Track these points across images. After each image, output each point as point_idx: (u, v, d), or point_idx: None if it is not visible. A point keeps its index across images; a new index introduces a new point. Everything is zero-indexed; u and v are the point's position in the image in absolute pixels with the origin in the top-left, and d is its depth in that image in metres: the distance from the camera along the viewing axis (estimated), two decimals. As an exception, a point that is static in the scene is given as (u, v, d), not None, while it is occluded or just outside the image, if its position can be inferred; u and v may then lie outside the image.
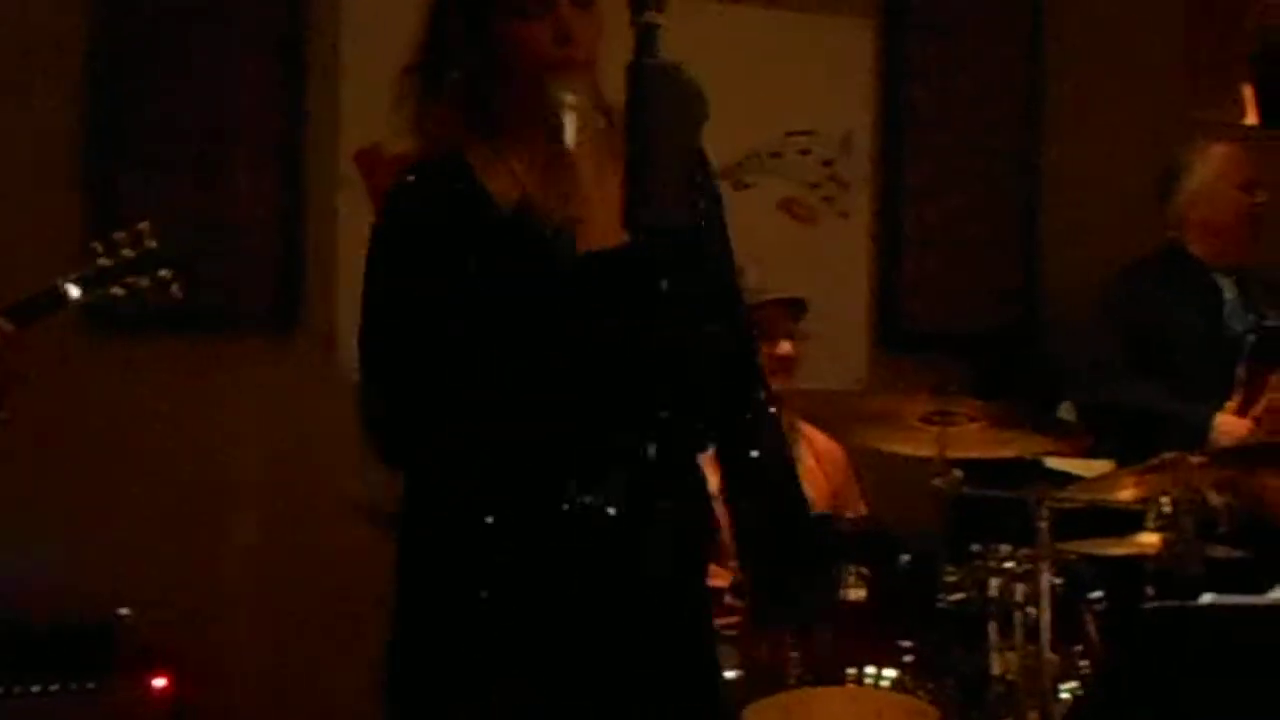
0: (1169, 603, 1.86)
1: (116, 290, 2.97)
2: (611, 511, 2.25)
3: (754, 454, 2.49)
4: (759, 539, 2.50)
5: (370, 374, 2.38)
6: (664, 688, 2.32)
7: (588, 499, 2.24)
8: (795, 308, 4.06)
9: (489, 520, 2.25)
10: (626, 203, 1.77)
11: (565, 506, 2.23)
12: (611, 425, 2.24)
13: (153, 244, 2.99)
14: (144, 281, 2.98)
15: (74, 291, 2.95)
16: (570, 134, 2.21)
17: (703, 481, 2.43)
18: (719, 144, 4.67)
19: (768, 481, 2.52)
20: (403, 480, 2.39)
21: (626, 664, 2.29)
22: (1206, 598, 1.83)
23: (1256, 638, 1.80)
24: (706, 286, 2.35)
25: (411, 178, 2.40)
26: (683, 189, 1.83)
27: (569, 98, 2.21)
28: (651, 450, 2.23)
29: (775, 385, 3.97)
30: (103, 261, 2.98)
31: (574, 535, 2.24)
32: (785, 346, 3.99)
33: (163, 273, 2.98)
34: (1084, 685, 3.48)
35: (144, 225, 3.01)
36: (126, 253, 2.97)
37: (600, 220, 2.23)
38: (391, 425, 2.37)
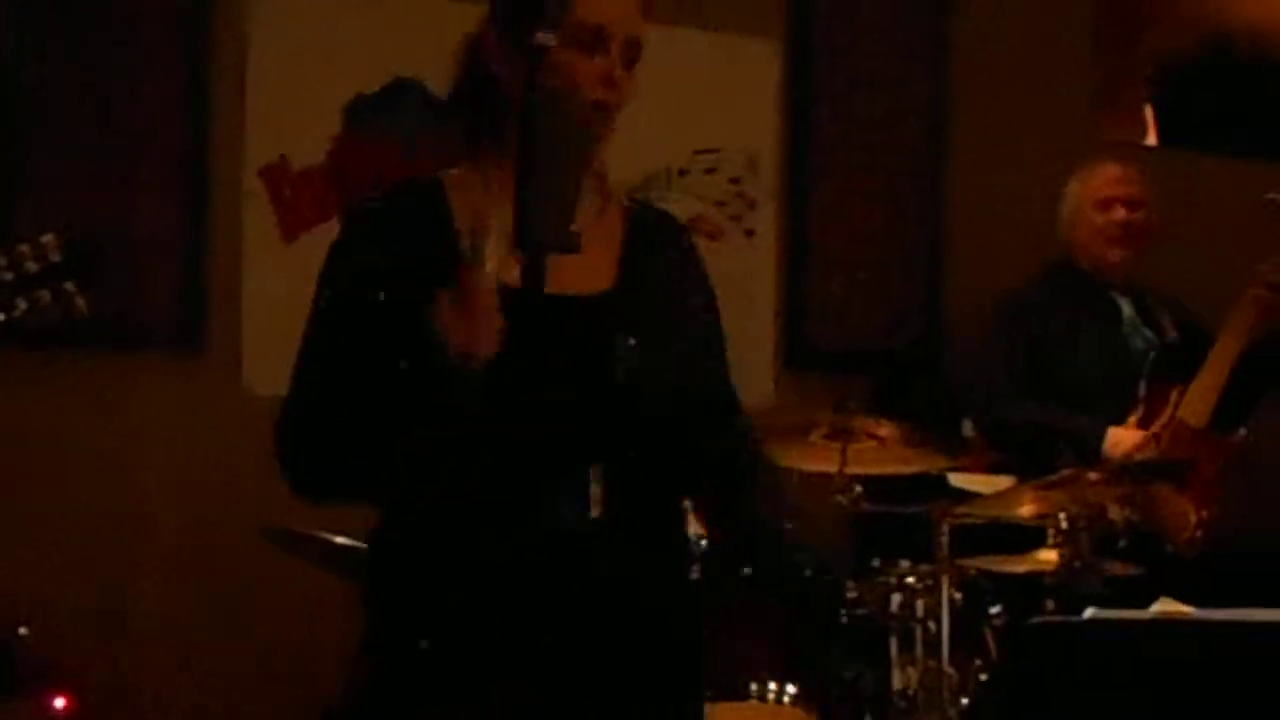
0: (1053, 618, 1.86)
1: (20, 303, 2.92)
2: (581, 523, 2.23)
3: (736, 516, 2.51)
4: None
5: (296, 411, 2.29)
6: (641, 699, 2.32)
7: (560, 515, 2.22)
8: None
9: (456, 537, 2.22)
10: (516, 222, 1.78)
11: (534, 522, 2.21)
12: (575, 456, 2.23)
13: (57, 257, 2.93)
14: (47, 295, 2.92)
15: None
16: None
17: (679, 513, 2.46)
18: (626, 161, 4.71)
19: (756, 549, 2.54)
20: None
21: (599, 677, 2.27)
22: (1089, 612, 1.85)
23: (1139, 651, 1.83)
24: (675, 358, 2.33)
25: (378, 204, 2.35)
26: (570, 211, 1.82)
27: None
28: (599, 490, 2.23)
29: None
30: (4, 274, 2.92)
31: (543, 549, 2.21)
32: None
33: (67, 285, 2.93)
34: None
35: (49, 238, 2.94)
36: (30, 265, 2.92)
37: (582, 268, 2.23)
38: (311, 466, 2.29)
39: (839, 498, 3.53)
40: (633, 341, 2.19)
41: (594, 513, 2.21)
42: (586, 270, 2.20)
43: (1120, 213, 4.42)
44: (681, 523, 2.49)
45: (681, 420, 2.32)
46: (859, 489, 3.54)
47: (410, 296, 2.11)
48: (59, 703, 3.76)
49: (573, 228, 1.80)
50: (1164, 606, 1.97)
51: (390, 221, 2.27)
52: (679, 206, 4.88)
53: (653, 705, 2.31)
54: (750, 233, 5.15)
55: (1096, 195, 4.47)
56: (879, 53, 5.37)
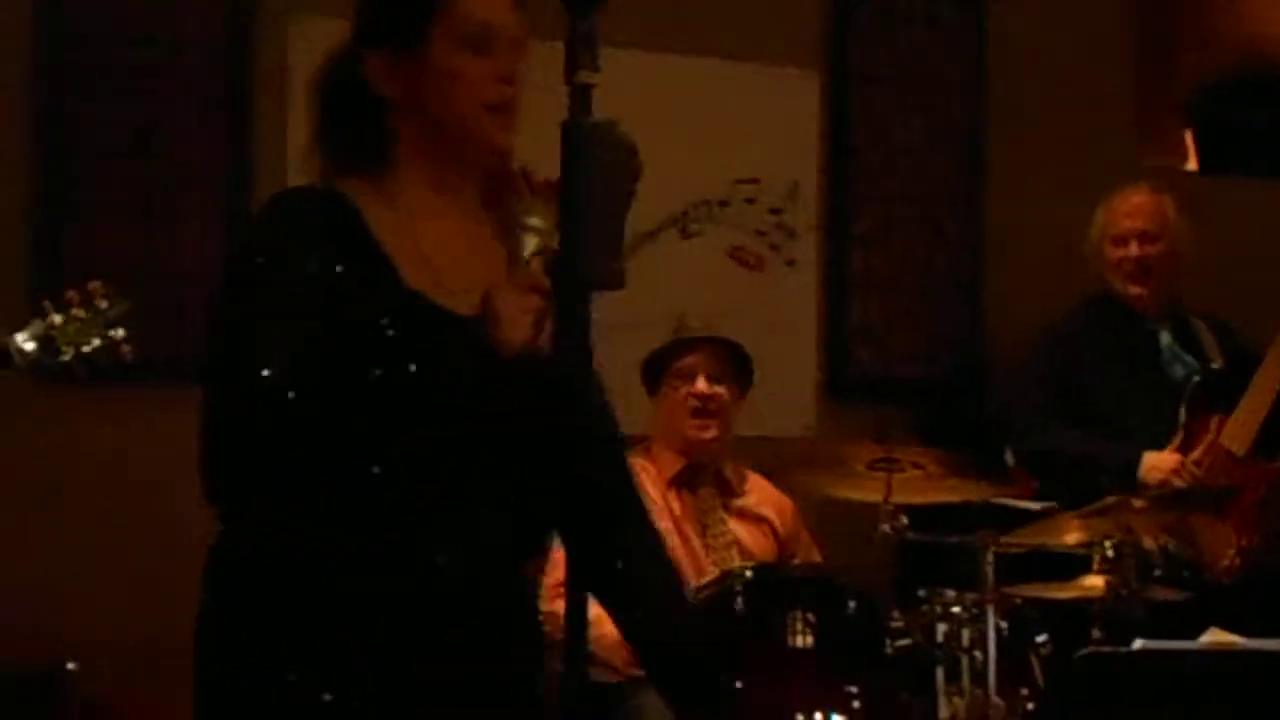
0: (1102, 648, 1.87)
1: (66, 350, 2.95)
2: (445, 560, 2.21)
3: (620, 565, 2.41)
4: (651, 654, 2.53)
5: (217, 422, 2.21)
6: None
7: (440, 558, 2.20)
8: (724, 350, 4.06)
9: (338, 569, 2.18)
10: (560, 258, 1.79)
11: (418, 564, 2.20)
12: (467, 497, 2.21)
13: (104, 304, 2.96)
14: (95, 342, 2.95)
15: (25, 349, 2.94)
16: (526, 252, 2.22)
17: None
18: (668, 192, 4.77)
19: (647, 598, 2.49)
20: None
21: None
22: (1138, 643, 1.86)
23: (1187, 682, 1.84)
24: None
25: (288, 206, 2.31)
26: (619, 248, 1.82)
27: (534, 221, 2.22)
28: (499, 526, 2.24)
29: (700, 430, 4.01)
30: (55, 319, 2.95)
31: (420, 589, 2.20)
32: (699, 383, 3.97)
33: (114, 333, 2.96)
34: None
35: (95, 285, 2.98)
36: (78, 313, 2.95)
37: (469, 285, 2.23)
38: (234, 472, 2.21)
39: (884, 527, 3.52)
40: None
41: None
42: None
43: (1134, 248, 4.40)
44: None
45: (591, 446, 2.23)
46: (904, 519, 3.54)
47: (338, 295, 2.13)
48: (106, 734, 3.84)
49: (618, 265, 1.79)
50: (1213, 637, 1.95)
51: (313, 222, 2.22)
52: (720, 237, 4.91)
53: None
54: (791, 262, 5.15)
55: (1110, 230, 4.46)
56: (916, 81, 5.39)
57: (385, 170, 2.27)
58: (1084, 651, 1.91)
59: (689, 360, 3.96)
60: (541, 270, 2.14)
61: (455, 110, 2.24)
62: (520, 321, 2.09)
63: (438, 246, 2.26)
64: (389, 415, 2.14)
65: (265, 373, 2.10)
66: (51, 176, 4.31)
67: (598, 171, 1.78)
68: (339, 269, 2.16)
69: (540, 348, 2.11)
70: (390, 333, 2.15)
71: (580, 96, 1.79)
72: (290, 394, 2.10)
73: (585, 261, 1.76)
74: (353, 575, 2.19)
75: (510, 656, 2.32)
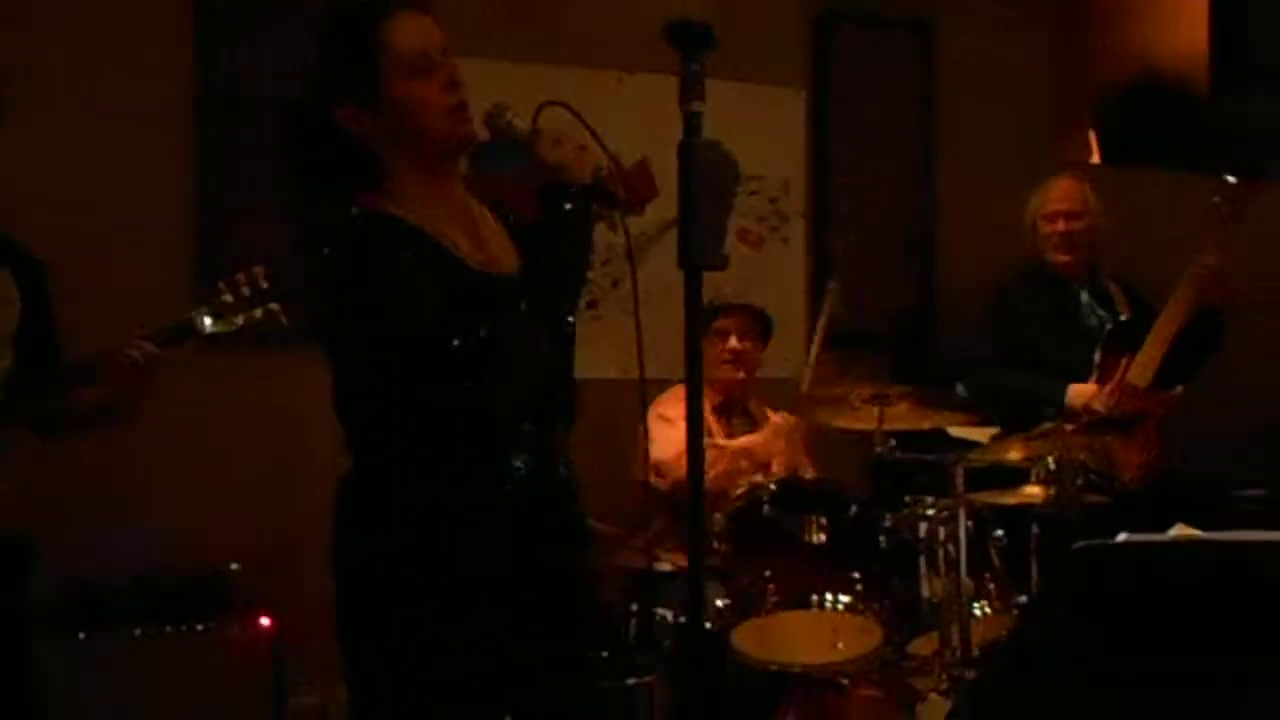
0: (1095, 541, 1.88)
1: (238, 320, 2.96)
2: (521, 467, 2.27)
3: None
4: None
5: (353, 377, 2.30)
6: (562, 590, 2.37)
7: (517, 463, 2.26)
8: (752, 315, 4.13)
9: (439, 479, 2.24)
10: (681, 245, 1.81)
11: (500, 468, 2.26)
12: (525, 418, 2.28)
13: (265, 284, 2.97)
14: (259, 314, 2.96)
15: (205, 322, 2.94)
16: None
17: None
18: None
19: None
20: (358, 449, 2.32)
21: (541, 574, 2.32)
22: (1122, 536, 1.86)
23: (1165, 567, 1.86)
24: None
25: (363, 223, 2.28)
26: (722, 238, 1.84)
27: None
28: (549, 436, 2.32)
29: (733, 374, 4.08)
30: (226, 298, 2.95)
31: (503, 489, 2.26)
32: (732, 341, 4.09)
33: (273, 306, 2.96)
34: (993, 604, 3.55)
35: (258, 269, 2.98)
36: (245, 291, 2.95)
37: (500, 253, 2.32)
38: (365, 419, 2.29)
39: (879, 449, 3.56)
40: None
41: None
42: (504, 254, 2.32)
43: (1061, 224, 4.43)
44: None
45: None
46: (893, 442, 3.58)
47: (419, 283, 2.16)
48: (264, 622, 3.82)
49: (723, 252, 1.82)
50: (1179, 531, 1.98)
51: (382, 236, 2.23)
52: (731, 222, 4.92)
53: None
54: (785, 240, 5.18)
55: (1042, 210, 4.49)
56: (881, 96, 5.37)
57: (384, 185, 2.27)
58: (1080, 544, 1.89)
59: (725, 322, 4.05)
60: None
61: (424, 125, 2.25)
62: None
63: (461, 226, 2.30)
64: (471, 370, 2.18)
65: (389, 346, 2.16)
66: (215, 197, 4.33)
67: (707, 181, 1.79)
68: (413, 261, 2.19)
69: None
70: (460, 304, 2.19)
71: (692, 121, 1.81)
72: (409, 360, 2.16)
73: (698, 251, 1.78)
74: (452, 482, 2.24)
75: (562, 535, 2.39)
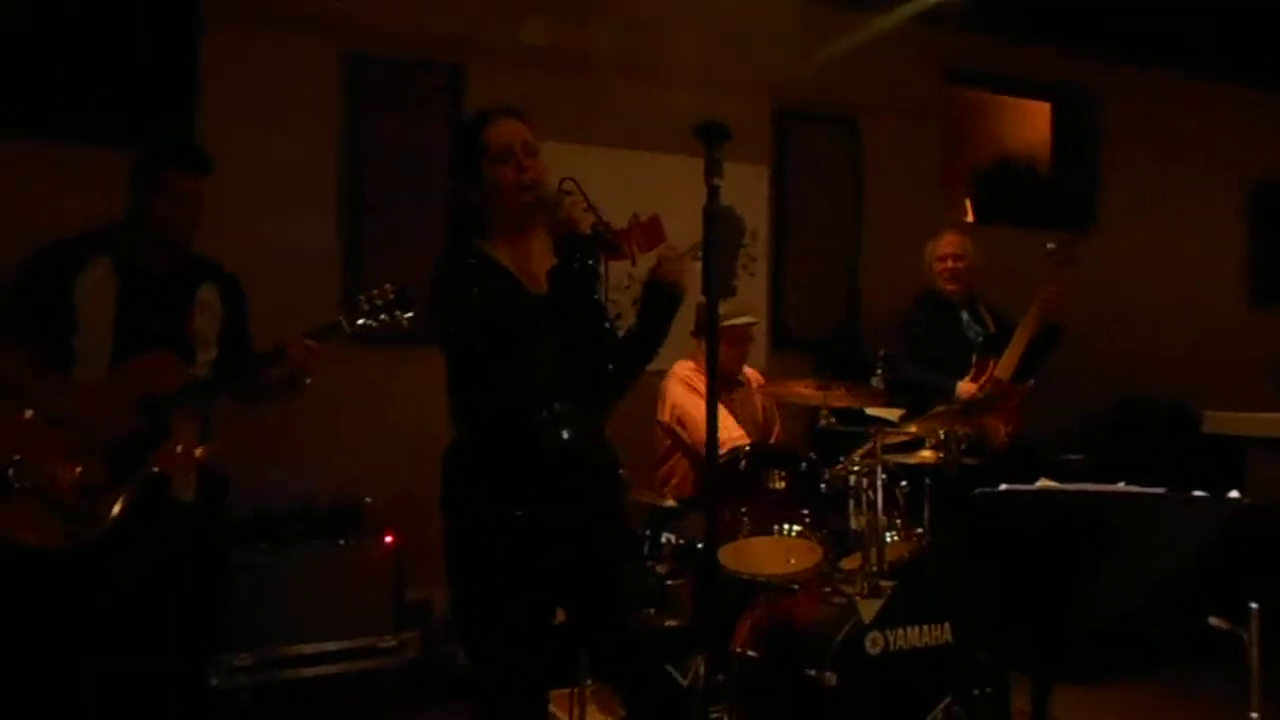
0: (988, 489, 1.90)
1: (372, 323, 2.94)
2: (567, 435, 2.28)
3: None
4: None
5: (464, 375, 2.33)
6: (605, 535, 2.37)
7: (567, 432, 2.27)
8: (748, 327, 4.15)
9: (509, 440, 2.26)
10: (705, 282, 1.85)
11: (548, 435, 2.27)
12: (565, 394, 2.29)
13: (392, 296, 2.95)
14: (388, 319, 2.93)
15: (349, 324, 2.92)
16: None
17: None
18: (692, 233, 4.72)
19: None
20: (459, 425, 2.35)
21: (586, 521, 2.32)
22: (1003, 486, 1.87)
23: (1035, 509, 1.87)
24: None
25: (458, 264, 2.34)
26: (733, 274, 1.88)
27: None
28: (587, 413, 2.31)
29: (734, 364, 4.07)
30: (364, 306, 2.94)
31: (551, 448, 2.28)
32: (747, 347, 4.11)
33: (398, 313, 2.94)
34: (899, 533, 3.55)
35: (387, 286, 2.96)
36: (379, 302, 2.94)
37: (539, 278, 2.33)
38: (469, 402, 2.32)
39: (823, 421, 3.55)
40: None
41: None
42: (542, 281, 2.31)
43: (950, 263, 4.37)
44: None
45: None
46: (834, 418, 3.57)
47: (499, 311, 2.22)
48: (388, 540, 3.85)
49: (735, 282, 1.85)
50: (1043, 483, 2.00)
51: (469, 267, 2.32)
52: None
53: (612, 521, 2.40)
54: (753, 274, 5.17)
55: (936, 253, 4.42)
56: (822, 172, 5.37)
57: (490, 234, 2.34)
58: (978, 491, 1.91)
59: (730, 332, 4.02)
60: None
61: (505, 197, 2.30)
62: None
63: (527, 263, 2.32)
64: (531, 358, 2.23)
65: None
66: (354, 227, 4.32)
67: (722, 235, 1.83)
68: (484, 283, 2.26)
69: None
70: (521, 314, 2.24)
71: (713, 192, 1.85)
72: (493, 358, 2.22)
73: (716, 284, 1.82)
74: (518, 445, 2.26)
75: (605, 490, 2.39)
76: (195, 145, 3.00)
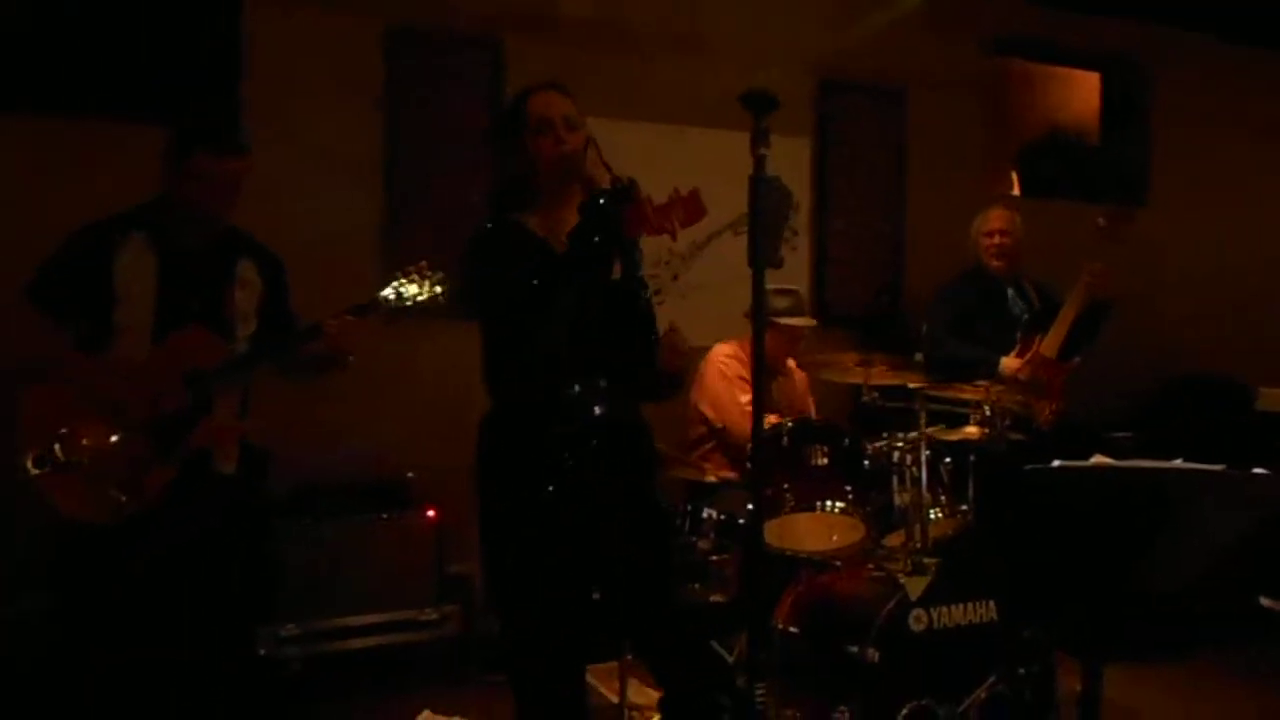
0: (1037, 466, 1.86)
1: (409, 300, 2.92)
2: (599, 410, 2.29)
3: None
4: None
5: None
6: (637, 511, 2.36)
7: (596, 407, 2.28)
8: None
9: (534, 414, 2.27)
10: (751, 254, 1.82)
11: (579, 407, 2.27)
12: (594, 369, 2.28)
13: (429, 273, 2.93)
14: (425, 294, 2.92)
15: (387, 299, 2.90)
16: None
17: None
18: (733, 208, 4.68)
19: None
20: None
21: (617, 496, 2.31)
22: (1056, 463, 1.85)
23: (1086, 485, 1.83)
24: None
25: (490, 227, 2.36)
26: (779, 244, 1.85)
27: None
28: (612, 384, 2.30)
29: (785, 359, 4.06)
30: (402, 281, 2.93)
31: (586, 424, 2.28)
32: (798, 345, 4.09)
33: (435, 289, 2.92)
34: (943, 510, 3.49)
35: (423, 264, 2.94)
36: (415, 277, 2.93)
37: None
38: (500, 372, 2.34)
39: (865, 398, 3.52)
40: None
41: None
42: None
43: (997, 239, 4.32)
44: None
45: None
46: (877, 394, 3.54)
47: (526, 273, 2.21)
48: (430, 514, 3.89)
49: (780, 254, 1.83)
50: (1098, 459, 1.96)
51: (498, 237, 2.35)
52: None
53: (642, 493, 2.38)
54: (795, 249, 5.11)
55: (982, 229, 4.36)
56: (866, 144, 5.30)
57: (533, 203, 2.36)
58: (1027, 467, 1.88)
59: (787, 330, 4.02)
60: None
61: (543, 168, 2.32)
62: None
63: (562, 232, 2.29)
64: (555, 317, 2.19)
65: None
66: (396, 209, 4.33)
67: (769, 205, 1.80)
68: (513, 252, 2.27)
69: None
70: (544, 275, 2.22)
71: (759, 162, 1.83)
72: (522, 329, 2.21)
73: (763, 254, 1.80)
74: (551, 418, 2.27)
75: (637, 461, 2.38)
76: (227, 125, 2.99)
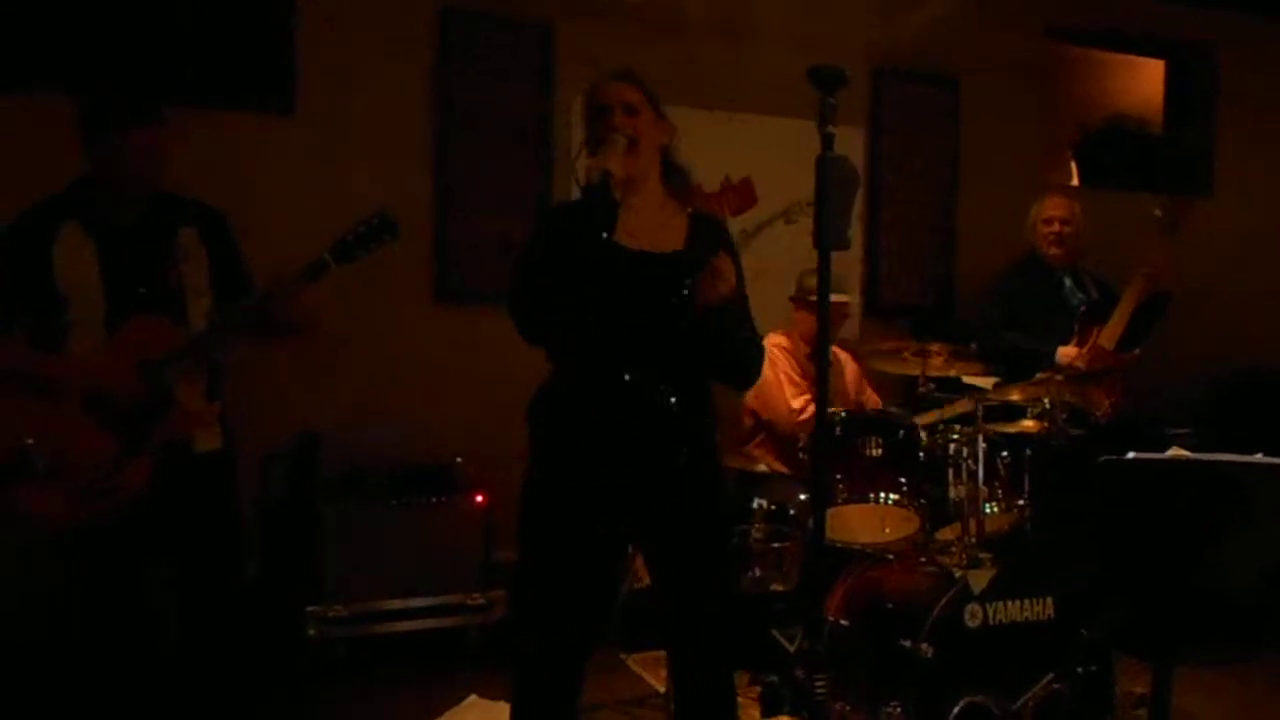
0: (1114, 457, 1.82)
1: (361, 253, 2.64)
2: (650, 399, 2.25)
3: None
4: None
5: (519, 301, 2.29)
6: (682, 492, 2.30)
7: (628, 375, 2.23)
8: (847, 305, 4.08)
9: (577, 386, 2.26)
10: (817, 233, 1.78)
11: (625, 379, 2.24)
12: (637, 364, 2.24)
13: (376, 222, 2.65)
14: (376, 244, 2.65)
15: (333, 257, 2.60)
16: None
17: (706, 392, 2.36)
18: (779, 198, 4.64)
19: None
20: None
21: (658, 473, 2.27)
22: (1130, 455, 1.80)
23: (1161, 476, 1.79)
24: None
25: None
26: (847, 226, 1.81)
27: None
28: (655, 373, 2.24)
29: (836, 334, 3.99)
30: (349, 237, 2.63)
31: (620, 394, 2.25)
32: (840, 323, 4.06)
33: (385, 238, 2.66)
34: (999, 504, 3.41)
35: (371, 213, 2.65)
36: (363, 229, 2.65)
37: (658, 236, 2.28)
38: (529, 331, 2.28)
39: (921, 389, 3.47)
40: (690, 281, 2.19)
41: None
42: (664, 241, 2.27)
43: (1056, 227, 4.24)
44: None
45: (726, 334, 2.28)
46: (933, 385, 3.49)
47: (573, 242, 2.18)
48: (478, 499, 3.89)
49: (847, 235, 1.79)
50: (1174, 452, 1.91)
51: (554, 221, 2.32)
52: (807, 223, 4.81)
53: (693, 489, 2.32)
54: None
55: (1041, 216, 4.28)
56: (919, 133, 5.23)
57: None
58: (1102, 459, 1.83)
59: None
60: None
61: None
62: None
63: (629, 216, 2.25)
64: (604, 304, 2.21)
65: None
66: (445, 192, 4.34)
67: (836, 184, 1.76)
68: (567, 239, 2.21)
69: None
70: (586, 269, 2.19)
71: (826, 140, 1.78)
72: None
73: (830, 234, 1.75)
74: (587, 393, 2.26)
75: (666, 439, 2.30)
76: (139, 94, 2.67)
